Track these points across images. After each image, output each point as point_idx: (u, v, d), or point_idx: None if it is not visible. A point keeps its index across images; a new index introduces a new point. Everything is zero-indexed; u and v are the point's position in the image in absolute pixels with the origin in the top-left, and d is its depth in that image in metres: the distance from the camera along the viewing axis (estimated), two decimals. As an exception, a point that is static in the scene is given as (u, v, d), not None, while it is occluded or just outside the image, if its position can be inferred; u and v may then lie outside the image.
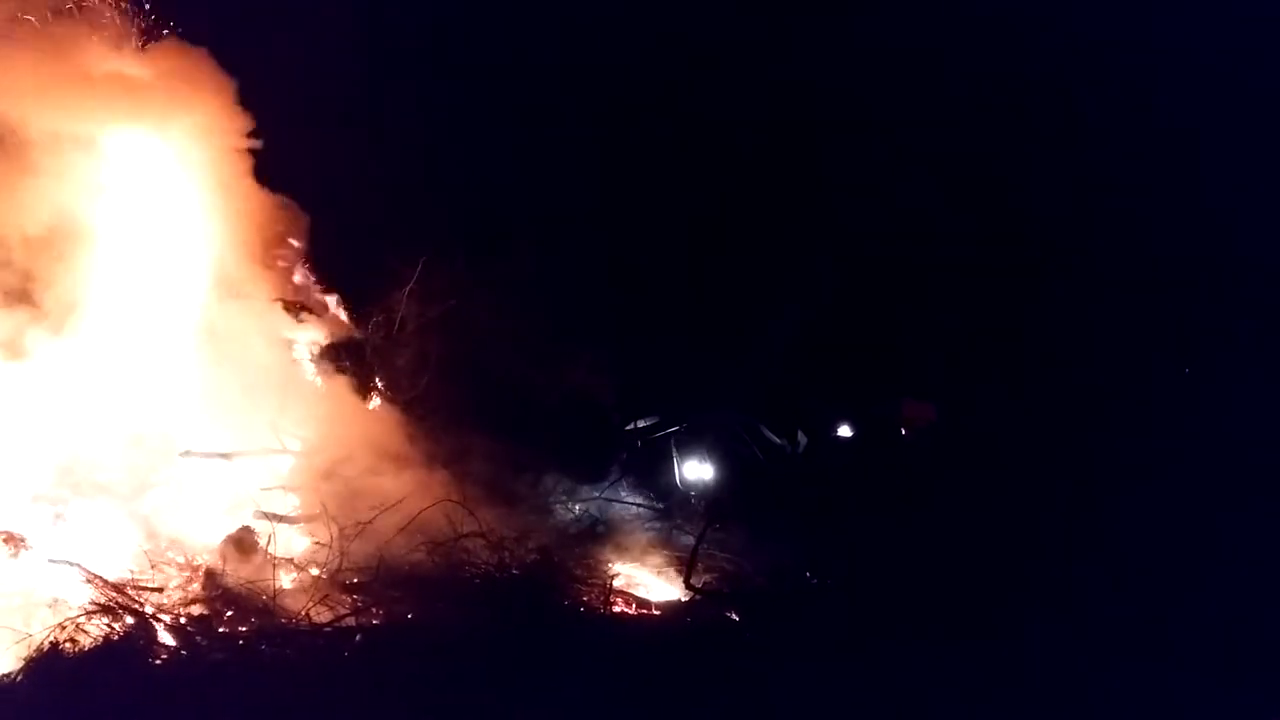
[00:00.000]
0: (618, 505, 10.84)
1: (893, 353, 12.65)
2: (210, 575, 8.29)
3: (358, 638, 7.90)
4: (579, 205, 13.20)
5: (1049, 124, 14.10)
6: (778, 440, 12.29)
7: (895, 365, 12.55)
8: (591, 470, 11.50)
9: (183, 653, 7.55)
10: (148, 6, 9.55)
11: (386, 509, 8.81)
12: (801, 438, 12.18)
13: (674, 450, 12.08)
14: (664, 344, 12.57)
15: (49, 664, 7.12)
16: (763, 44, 14.35)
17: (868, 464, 11.44)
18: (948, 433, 11.26)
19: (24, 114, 8.67)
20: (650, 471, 11.90)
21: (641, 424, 12.35)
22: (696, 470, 12.04)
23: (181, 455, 9.16)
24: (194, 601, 8.06)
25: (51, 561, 8.09)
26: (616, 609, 8.73)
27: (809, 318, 12.92)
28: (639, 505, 11.00)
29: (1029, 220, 13.46)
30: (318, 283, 10.98)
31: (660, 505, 11.09)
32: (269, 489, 9.32)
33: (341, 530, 8.72)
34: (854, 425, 12.09)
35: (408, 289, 11.36)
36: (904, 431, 11.61)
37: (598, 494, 11.21)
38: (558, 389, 11.71)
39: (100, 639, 7.41)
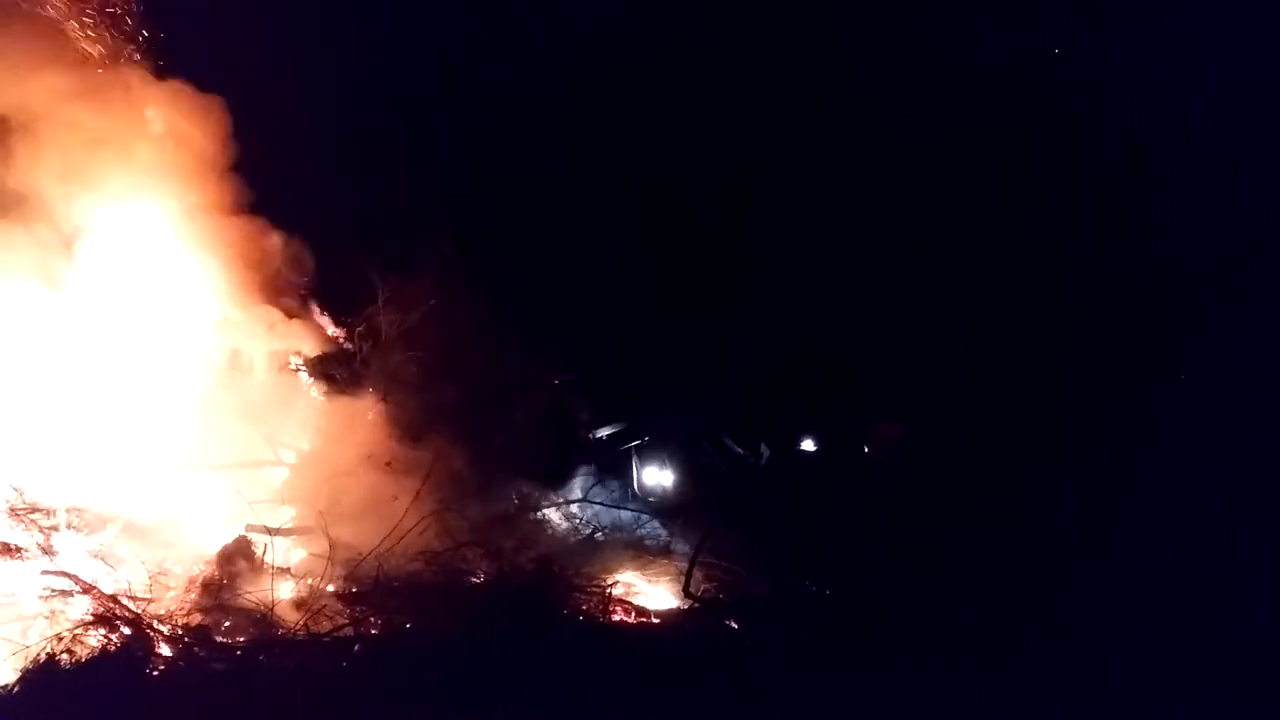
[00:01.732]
0: (615, 514, 10.79)
1: (873, 371, 12.56)
2: (207, 586, 8.25)
3: (356, 648, 7.88)
4: (551, 210, 13.05)
5: (1036, 141, 14.10)
6: (740, 451, 12.25)
7: (874, 383, 12.47)
8: (566, 477, 11.43)
9: (180, 663, 7.50)
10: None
11: (384, 521, 8.81)
12: (764, 449, 12.15)
13: (634, 456, 12.06)
14: (632, 351, 12.44)
15: (46, 675, 7.05)
16: (743, 47, 14.23)
17: (830, 478, 11.43)
18: (917, 454, 11.23)
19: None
20: (620, 478, 11.82)
21: (607, 432, 12.22)
22: (656, 476, 12.01)
23: (178, 468, 9.13)
24: (191, 612, 8.00)
25: (48, 572, 8.03)
26: (616, 617, 8.77)
27: (782, 329, 12.83)
28: (636, 513, 10.96)
29: (1018, 238, 13.43)
30: (310, 296, 10.97)
31: (655, 514, 11.04)
32: (262, 501, 9.26)
33: (338, 542, 8.69)
34: (819, 440, 12.05)
35: (382, 297, 11.31)
36: (867, 450, 11.60)
37: (591, 498, 11.13)
38: (531, 397, 11.64)
39: (97, 650, 7.34)
